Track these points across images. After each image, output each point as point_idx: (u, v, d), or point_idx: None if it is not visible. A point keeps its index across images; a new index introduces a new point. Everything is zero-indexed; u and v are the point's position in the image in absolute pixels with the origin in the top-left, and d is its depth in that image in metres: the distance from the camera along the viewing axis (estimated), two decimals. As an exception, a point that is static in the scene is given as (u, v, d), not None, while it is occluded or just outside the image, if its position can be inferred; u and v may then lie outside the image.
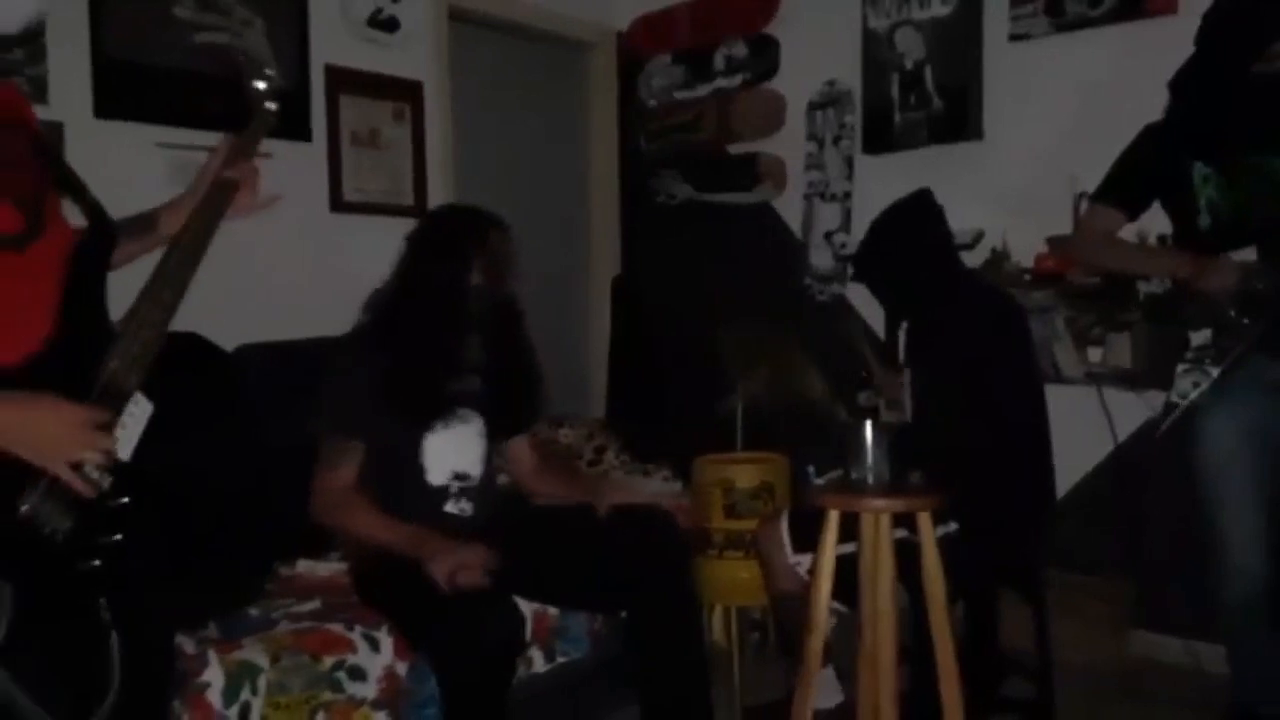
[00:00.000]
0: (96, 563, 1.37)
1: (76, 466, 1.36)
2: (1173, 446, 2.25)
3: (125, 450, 1.43)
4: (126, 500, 1.41)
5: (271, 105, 1.83)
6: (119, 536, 1.39)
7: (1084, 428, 2.77)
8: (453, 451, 2.17)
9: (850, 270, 2.55)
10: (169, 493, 1.57)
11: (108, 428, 1.39)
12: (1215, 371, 2.05)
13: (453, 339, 2.16)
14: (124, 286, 1.55)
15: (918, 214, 2.31)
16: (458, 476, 2.18)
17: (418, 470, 2.14)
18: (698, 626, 2.19)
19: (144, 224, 1.72)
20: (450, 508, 2.17)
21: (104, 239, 1.56)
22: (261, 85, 1.82)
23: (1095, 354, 2.80)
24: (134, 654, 1.39)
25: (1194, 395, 2.07)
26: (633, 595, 2.09)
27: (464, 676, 1.85)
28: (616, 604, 2.20)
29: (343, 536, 2.21)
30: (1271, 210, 2.03)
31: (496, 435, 2.29)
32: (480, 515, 2.18)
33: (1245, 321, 2.02)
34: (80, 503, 1.37)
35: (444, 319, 2.14)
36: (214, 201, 1.67)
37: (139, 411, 1.44)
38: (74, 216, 1.62)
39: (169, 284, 1.52)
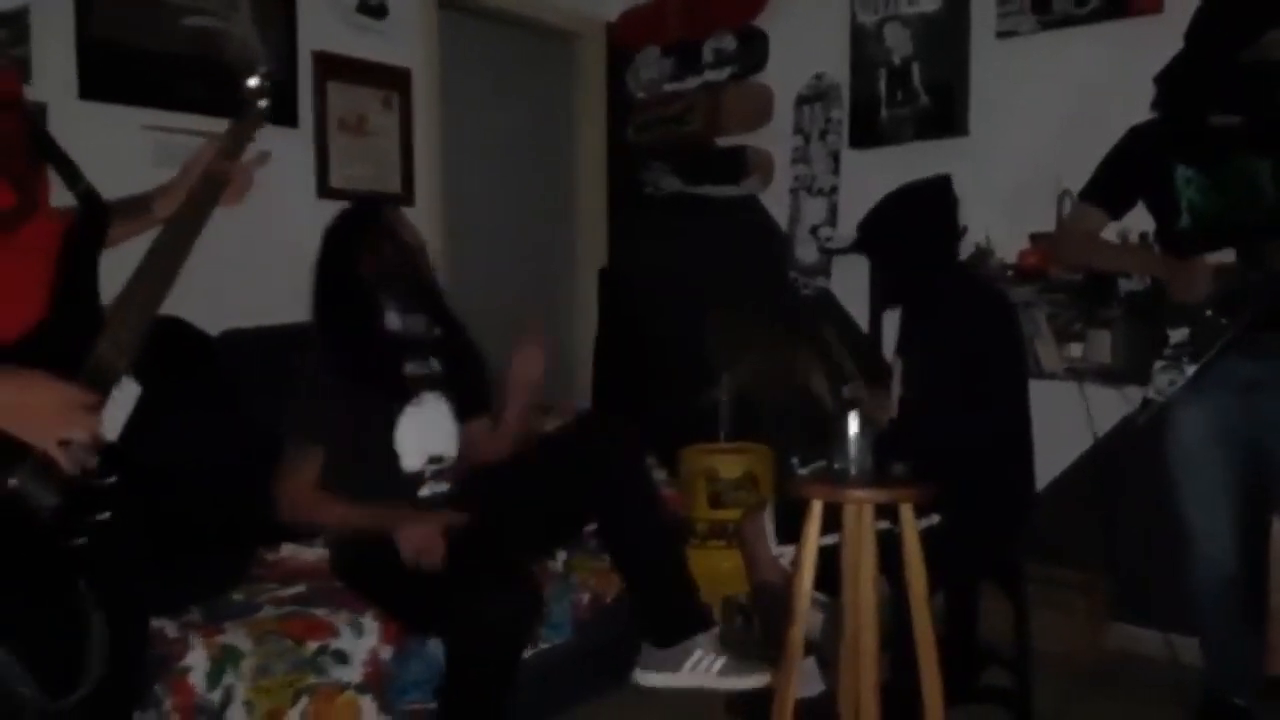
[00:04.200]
0: (82, 540, 1.38)
1: (64, 444, 1.36)
2: (1149, 442, 2.28)
3: (113, 431, 1.43)
4: (114, 480, 1.41)
5: (263, 103, 1.83)
6: (106, 515, 1.40)
7: (1064, 422, 2.80)
8: (424, 435, 2.20)
9: (855, 236, 2.54)
10: (152, 477, 1.57)
11: (96, 409, 1.39)
12: (1191, 369, 2.08)
13: (369, 322, 2.20)
14: (113, 270, 1.55)
15: (938, 197, 2.33)
16: (433, 460, 2.21)
17: (391, 458, 2.17)
18: (659, 510, 2.33)
19: (138, 206, 1.73)
20: (426, 491, 2.20)
21: (97, 221, 1.57)
22: (254, 83, 1.83)
23: (1076, 349, 2.83)
24: (113, 635, 1.39)
25: (1170, 392, 2.11)
26: (595, 504, 2.24)
27: (477, 661, 1.88)
28: (582, 515, 2.33)
29: (315, 529, 2.27)
30: (1251, 213, 2.07)
31: (462, 415, 2.31)
32: (456, 491, 2.23)
33: (1221, 321, 2.05)
34: (68, 481, 1.37)
35: (350, 306, 2.20)
36: (206, 193, 1.69)
37: (127, 394, 1.45)
38: (65, 198, 1.61)
39: (159, 270, 1.53)
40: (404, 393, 2.19)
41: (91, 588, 1.36)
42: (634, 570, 2.26)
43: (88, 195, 1.56)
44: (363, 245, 2.23)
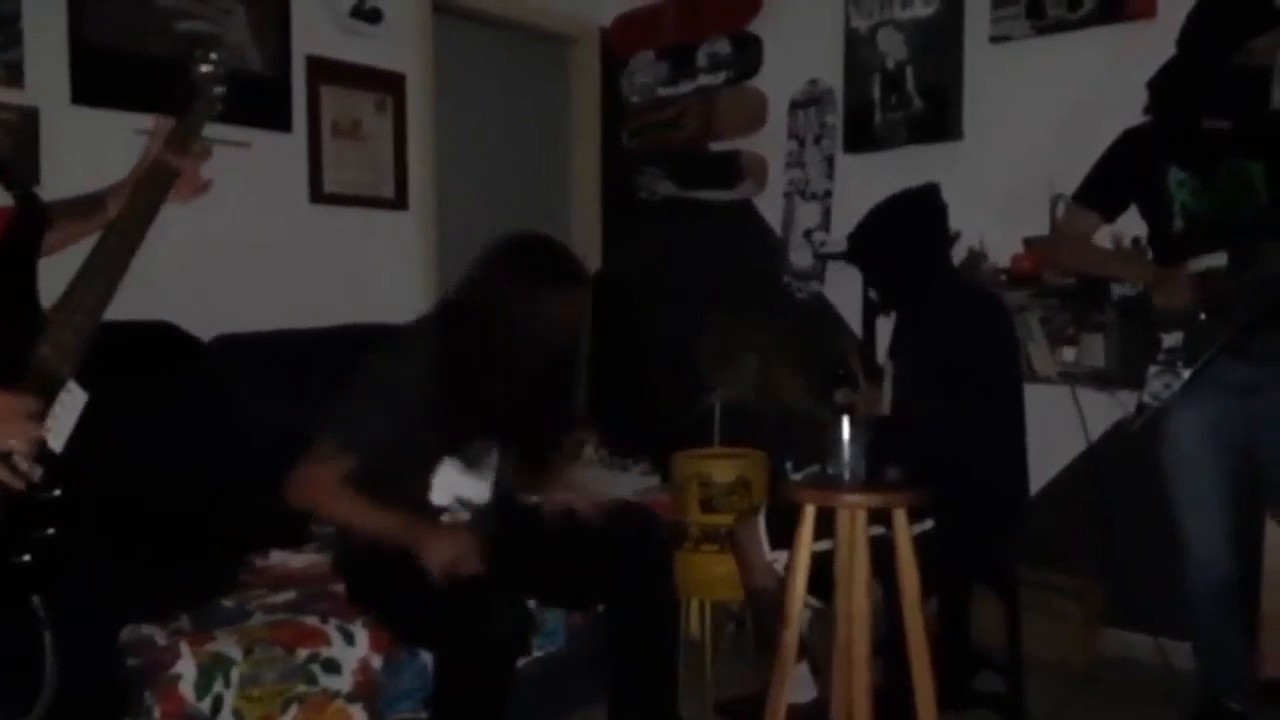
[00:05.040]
0: (26, 558, 1.31)
1: (4, 457, 1.28)
2: (1143, 446, 2.28)
3: (57, 441, 1.35)
4: (59, 493, 1.34)
5: (219, 90, 1.76)
6: (51, 531, 1.33)
7: (1057, 427, 2.80)
8: (460, 479, 2.09)
9: (845, 247, 2.54)
10: (120, 485, 1.53)
11: (38, 417, 1.32)
12: (1186, 373, 2.08)
13: (502, 386, 1.98)
14: (57, 274, 1.50)
15: (924, 206, 2.33)
16: (461, 501, 2.11)
17: (423, 488, 2.06)
18: (674, 625, 2.18)
19: (91, 204, 1.67)
20: (446, 519, 2.11)
21: (34, 223, 1.51)
22: (206, 69, 1.74)
23: (1069, 354, 2.83)
24: (73, 651, 1.35)
25: (1165, 396, 2.11)
26: (610, 589, 2.09)
27: (469, 672, 1.83)
28: (594, 598, 2.19)
29: (322, 520, 2.10)
30: (1243, 214, 2.07)
31: (517, 465, 2.18)
32: (473, 523, 2.12)
33: (1215, 324, 2.05)
34: (9, 495, 1.30)
35: (478, 358, 1.97)
36: (152, 186, 1.59)
37: (72, 401, 1.38)
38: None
39: (103, 270, 1.46)
40: (457, 444, 2.05)
41: (45, 605, 1.31)
42: (622, 672, 2.10)
43: (25, 196, 1.50)
44: (544, 309, 1.98)
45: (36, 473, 1.31)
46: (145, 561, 1.74)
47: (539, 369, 2.02)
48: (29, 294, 1.45)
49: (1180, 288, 2.07)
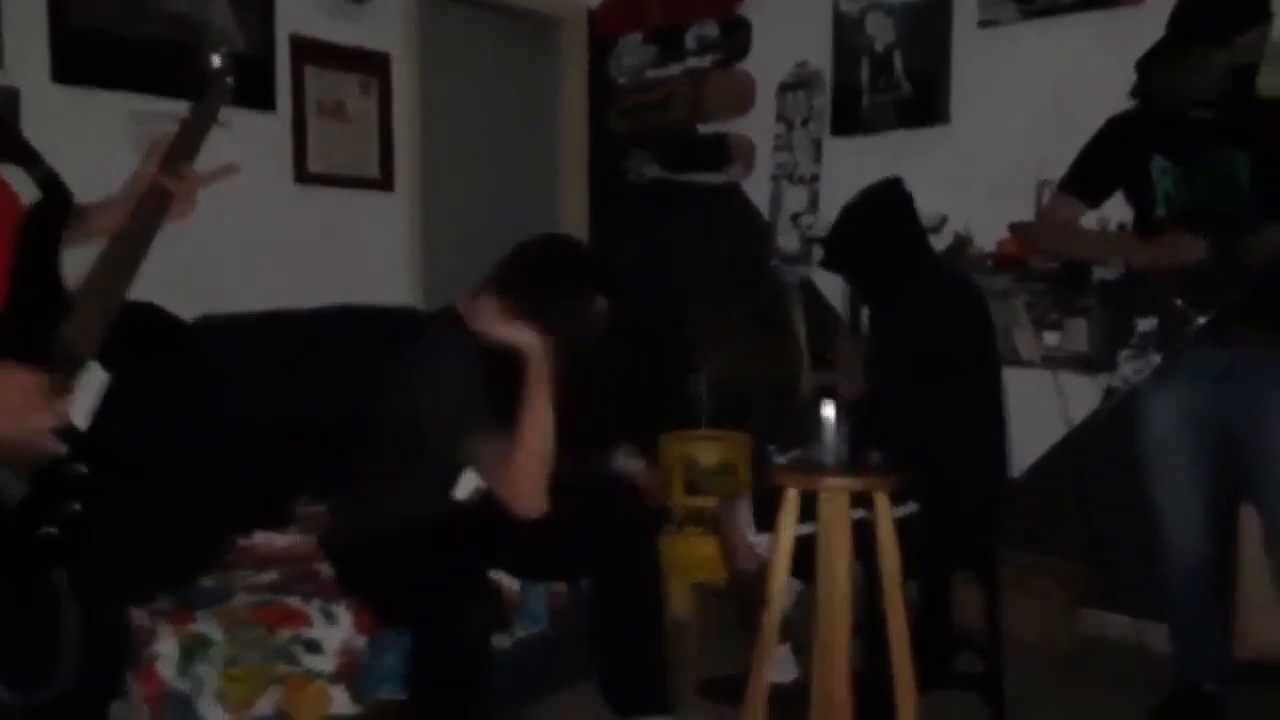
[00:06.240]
0: (53, 530, 1.34)
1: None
2: (1118, 430, 2.30)
3: (81, 418, 1.38)
4: (84, 468, 1.37)
5: (229, 80, 1.76)
6: (77, 505, 1.36)
7: (1040, 410, 2.81)
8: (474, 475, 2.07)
9: (821, 254, 2.56)
10: (124, 464, 1.54)
11: (62, 395, 1.34)
12: (1157, 358, 2.09)
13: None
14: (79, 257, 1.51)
15: (887, 204, 2.33)
16: (477, 490, 2.10)
17: (445, 487, 2.05)
18: (658, 594, 2.19)
19: (76, 215, 1.63)
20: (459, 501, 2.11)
21: (58, 205, 1.51)
22: (218, 61, 1.75)
23: (1052, 338, 2.84)
24: (88, 626, 1.37)
25: (1135, 381, 2.12)
26: (595, 562, 2.09)
27: (444, 659, 1.84)
28: (579, 570, 2.20)
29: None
30: (1224, 204, 2.07)
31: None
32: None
33: (1190, 311, 2.06)
34: (36, 469, 1.33)
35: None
36: (150, 206, 1.58)
37: (95, 379, 1.40)
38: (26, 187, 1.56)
39: (120, 260, 1.47)
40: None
41: (65, 579, 1.33)
42: (611, 642, 2.13)
43: (47, 178, 1.50)
44: (594, 310, 2.05)
45: (62, 449, 1.34)
46: (140, 542, 1.74)
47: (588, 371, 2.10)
48: (52, 274, 1.46)
49: (1186, 246, 2.05)
